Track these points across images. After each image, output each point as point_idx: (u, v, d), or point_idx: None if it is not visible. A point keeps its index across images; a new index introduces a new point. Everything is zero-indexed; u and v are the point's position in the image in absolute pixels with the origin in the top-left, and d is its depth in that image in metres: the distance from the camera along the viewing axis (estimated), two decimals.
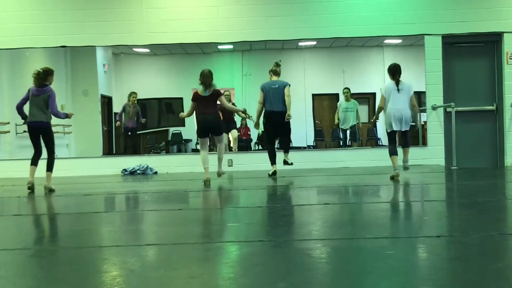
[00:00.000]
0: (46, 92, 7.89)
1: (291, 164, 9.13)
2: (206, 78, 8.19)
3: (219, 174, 8.52)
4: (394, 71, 8.11)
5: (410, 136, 8.65)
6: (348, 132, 12.08)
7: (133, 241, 4.13)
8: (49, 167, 7.93)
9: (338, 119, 12.10)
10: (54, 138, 8.16)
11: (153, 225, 4.99)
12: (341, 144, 12.25)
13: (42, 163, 7.99)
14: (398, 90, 8.02)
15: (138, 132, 12.45)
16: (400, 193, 7.02)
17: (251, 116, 9.30)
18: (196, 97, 8.32)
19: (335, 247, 3.63)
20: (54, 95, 7.93)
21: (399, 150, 8.19)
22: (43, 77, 7.91)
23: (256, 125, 9.31)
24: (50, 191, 7.75)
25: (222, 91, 8.52)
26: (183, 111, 12.54)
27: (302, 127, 12.15)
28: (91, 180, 9.54)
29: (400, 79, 8.08)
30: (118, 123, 12.17)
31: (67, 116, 8.26)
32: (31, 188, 7.71)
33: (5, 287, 2.86)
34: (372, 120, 8.82)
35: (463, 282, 2.73)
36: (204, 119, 8.32)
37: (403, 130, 8.09)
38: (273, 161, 9.16)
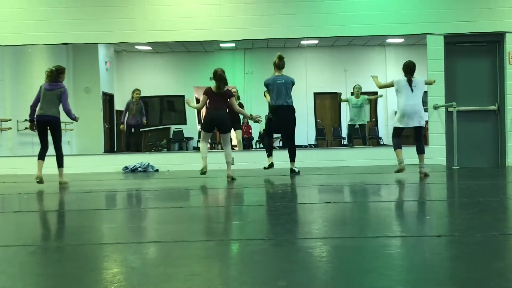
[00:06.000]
0: (59, 87, 8.11)
1: (298, 172, 8.97)
2: (221, 79, 8.27)
3: (230, 177, 8.30)
4: (407, 70, 8.12)
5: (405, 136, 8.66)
6: (355, 128, 12.03)
7: (134, 238, 4.13)
8: (60, 163, 8.22)
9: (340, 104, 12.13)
10: (61, 133, 8.39)
11: (154, 222, 4.99)
12: (345, 142, 12.24)
13: (48, 160, 8.07)
14: (412, 89, 8.03)
15: (141, 130, 12.45)
16: (401, 192, 7.01)
17: (259, 120, 9.30)
18: (208, 92, 8.39)
19: (336, 245, 3.63)
20: (67, 93, 8.15)
21: (406, 150, 8.18)
22: (56, 74, 8.14)
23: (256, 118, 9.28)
24: (64, 184, 8.08)
25: (230, 88, 8.63)
26: (184, 109, 12.61)
27: (303, 126, 12.14)
28: (92, 177, 9.55)
29: (413, 76, 8.11)
30: (122, 126, 12.12)
31: (76, 118, 8.40)
32: (40, 181, 7.88)
33: (5, 283, 2.86)
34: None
35: (464, 281, 2.73)
36: (212, 114, 8.39)
37: (416, 125, 8.06)
38: (269, 152, 9.04)
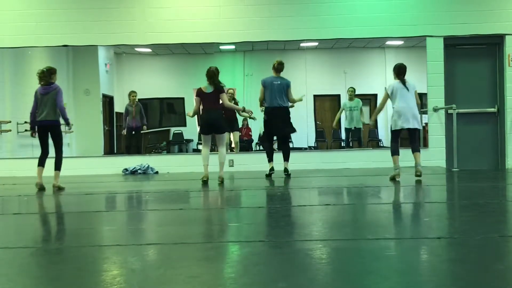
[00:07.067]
0: (53, 89, 7.96)
1: (289, 174, 8.94)
2: (213, 76, 8.29)
3: (220, 179, 8.28)
4: (399, 71, 8.15)
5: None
6: (351, 132, 12.05)
7: (133, 240, 4.13)
8: (57, 166, 7.99)
9: (339, 120, 12.09)
10: (62, 137, 8.23)
11: (154, 224, 4.99)
12: (343, 144, 12.25)
13: (49, 162, 8.01)
14: (407, 88, 8.04)
15: (141, 132, 12.44)
16: (401, 194, 7.01)
17: (252, 116, 9.28)
18: (199, 93, 8.39)
19: (336, 247, 3.63)
20: (62, 92, 8.04)
21: (404, 152, 8.18)
22: (47, 75, 7.99)
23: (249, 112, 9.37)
24: (59, 189, 7.78)
25: (225, 89, 8.61)
26: (184, 111, 12.61)
27: (303, 128, 12.15)
28: (92, 180, 9.54)
29: (405, 78, 8.13)
30: (124, 131, 12.06)
31: (69, 122, 8.22)
32: (41, 188, 7.73)
33: (5, 285, 2.86)
34: (371, 122, 9.21)
35: (464, 283, 2.72)
36: (206, 115, 8.39)
37: (412, 127, 8.06)
38: (270, 157, 9.11)
